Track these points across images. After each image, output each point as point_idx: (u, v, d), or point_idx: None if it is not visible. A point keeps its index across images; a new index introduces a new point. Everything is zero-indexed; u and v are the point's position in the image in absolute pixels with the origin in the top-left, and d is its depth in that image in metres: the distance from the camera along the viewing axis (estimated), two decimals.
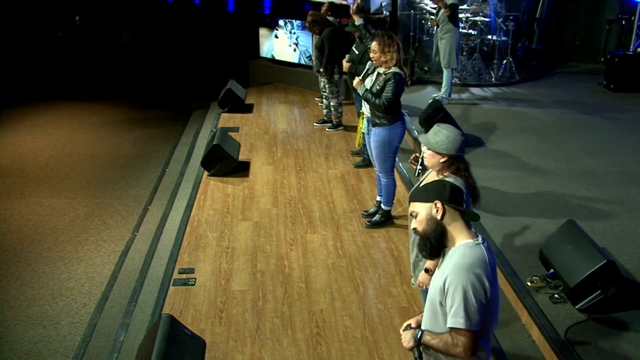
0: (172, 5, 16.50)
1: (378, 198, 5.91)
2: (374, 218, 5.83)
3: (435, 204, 2.42)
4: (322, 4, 9.30)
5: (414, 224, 2.50)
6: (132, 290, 5.13)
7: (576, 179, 6.53)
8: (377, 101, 5.18)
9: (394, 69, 5.13)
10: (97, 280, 5.58)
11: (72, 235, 6.43)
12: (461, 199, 2.48)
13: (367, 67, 5.47)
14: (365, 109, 5.45)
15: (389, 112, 5.25)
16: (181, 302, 4.68)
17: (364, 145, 7.25)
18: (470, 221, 2.51)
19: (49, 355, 4.60)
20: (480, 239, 2.44)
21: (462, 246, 2.39)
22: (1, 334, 4.87)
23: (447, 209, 2.42)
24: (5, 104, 11.04)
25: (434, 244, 2.43)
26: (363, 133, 5.68)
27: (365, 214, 6.01)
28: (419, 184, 3.54)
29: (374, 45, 5.14)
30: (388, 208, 5.78)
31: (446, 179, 3.27)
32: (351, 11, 6.76)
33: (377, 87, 5.19)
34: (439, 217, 2.41)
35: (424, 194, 2.48)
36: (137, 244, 6.13)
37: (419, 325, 2.63)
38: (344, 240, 5.60)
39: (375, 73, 5.29)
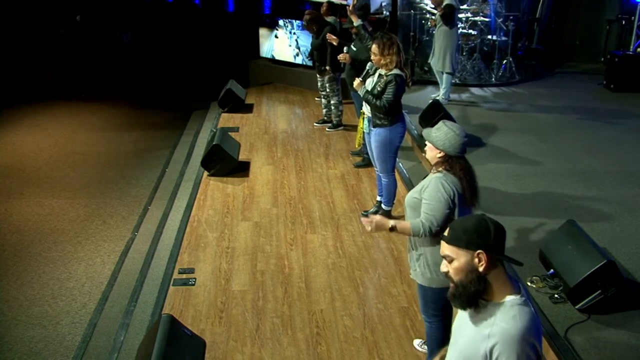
0: (172, 5, 16.49)
1: (378, 198, 5.92)
2: None
3: (479, 255, 2.08)
4: (321, 3, 9.30)
5: (445, 267, 2.17)
6: (132, 290, 5.13)
7: (576, 179, 6.53)
8: (377, 102, 5.22)
9: (395, 71, 5.16)
10: (97, 280, 5.58)
11: (72, 236, 6.43)
12: (504, 242, 2.15)
13: (367, 68, 5.50)
14: (366, 109, 5.48)
15: (390, 113, 5.29)
16: (181, 302, 4.68)
17: (364, 145, 7.26)
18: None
19: (49, 355, 4.60)
20: (523, 291, 2.14)
21: (509, 305, 2.08)
22: (1, 334, 4.87)
23: (490, 259, 2.09)
24: (5, 104, 11.04)
25: (472, 297, 2.12)
26: (363, 132, 5.70)
27: (365, 213, 6.00)
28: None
29: (374, 48, 5.18)
30: (388, 208, 5.78)
31: (438, 174, 3.35)
32: (348, 12, 6.75)
33: (378, 89, 5.23)
34: (481, 269, 2.08)
35: (464, 238, 2.10)
36: (137, 244, 6.13)
37: None
38: (344, 240, 5.60)
39: (377, 74, 5.32)
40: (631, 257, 4.91)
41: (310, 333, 4.31)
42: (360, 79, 5.45)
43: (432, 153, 3.42)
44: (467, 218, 2.21)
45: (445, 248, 2.16)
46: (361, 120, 5.69)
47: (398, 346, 4.13)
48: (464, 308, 2.18)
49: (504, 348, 2.02)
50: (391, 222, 3.41)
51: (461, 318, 2.28)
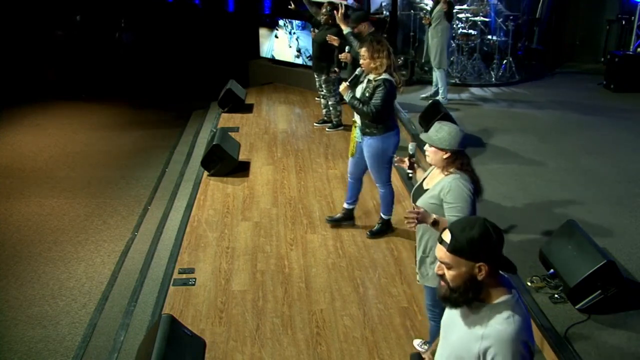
0: (172, 5, 16.49)
1: (345, 205, 5.78)
2: (375, 228, 5.67)
3: (480, 267, 2.07)
4: (320, 3, 9.25)
5: (441, 271, 2.15)
6: (132, 290, 5.13)
7: (576, 179, 6.53)
8: (365, 108, 5.00)
9: (384, 76, 4.97)
10: (97, 280, 5.59)
11: (72, 235, 6.43)
12: (502, 247, 2.14)
13: (356, 73, 5.24)
14: (357, 117, 5.27)
15: (378, 120, 5.07)
16: (181, 302, 4.68)
17: None
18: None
19: (49, 355, 4.61)
20: (515, 291, 2.16)
21: (503, 306, 2.09)
22: (1, 334, 4.87)
23: (491, 269, 2.09)
24: (5, 104, 11.04)
25: (469, 301, 2.13)
26: (357, 142, 5.43)
27: (330, 219, 5.83)
28: (421, 182, 3.55)
29: (363, 51, 4.98)
30: (388, 217, 5.65)
31: (453, 175, 3.30)
32: (337, 19, 6.31)
33: (367, 94, 5.04)
34: (480, 279, 2.08)
35: (468, 250, 2.07)
36: (137, 244, 6.13)
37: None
38: (344, 240, 5.60)
39: (366, 80, 5.13)
40: (631, 257, 4.91)
41: (310, 333, 4.31)
42: (347, 82, 5.19)
43: (436, 156, 3.33)
44: (469, 225, 2.12)
45: (445, 255, 2.11)
46: (354, 129, 5.39)
47: (398, 346, 4.13)
48: (455, 308, 2.19)
49: (499, 349, 2.04)
50: (434, 216, 3.24)
51: (451, 314, 2.28)
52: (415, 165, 3.79)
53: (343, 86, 5.18)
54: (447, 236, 2.12)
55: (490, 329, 2.07)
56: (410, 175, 3.82)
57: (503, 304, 2.10)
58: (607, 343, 3.93)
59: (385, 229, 5.67)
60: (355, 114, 5.31)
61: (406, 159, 3.79)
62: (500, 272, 2.18)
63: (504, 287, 2.14)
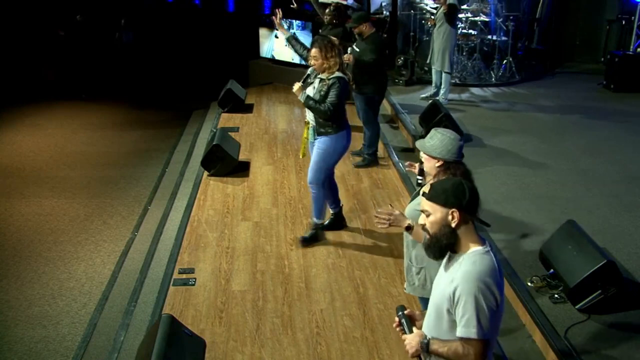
0: (172, 5, 16.49)
1: (330, 211, 5.70)
2: (306, 233, 5.51)
3: (453, 213, 2.36)
4: (325, 4, 9.23)
5: (423, 220, 2.45)
6: (132, 290, 5.13)
7: (576, 179, 6.53)
8: (321, 107, 5.02)
9: (337, 74, 5.00)
10: (97, 280, 5.59)
11: (72, 235, 6.44)
12: (477, 204, 2.43)
13: (307, 72, 5.27)
14: (310, 117, 5.27)
15: (334, 119, 5.09)
16: (181, 302, 4.68)
17: (365, 145, 7.25)
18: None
19: (49, 355, 4.61)
20: (488, 245, 2.41)
21: (472, 254, 2.37)
22: (1, 334, 4.88)
23: (463, 217, 2.37)
24: (5, 104, 11.04)
25: (444, 248, 2.41)
26: (308, 142, 5.43)
27: (321, 227, 5.66)
28: (421, 188, 3.52)
29: (314, 52, 5.00)
30: (320, 221, 5.50)
31: None
32: (276, 24, 6.26)
33: (321, 94, 5.05)
34: (454, 225, 2.37)
35: (443, 196, 2.38)
36: (137, 244, 6.13)
37: (412, 321, 2.60)
38: (344, 240, 5.59)
39: (317, 80, 5.14)
40: (631, 257, 4.91)
41: (310, 333, 4.31)
42: (300, 83, 5.20)
43: (429, 164, 3.29)
44: (447, 180, 2.52)
45: (425, 204, 2.44)
46: (305, 129, 5.40)
47: (398, 346, 4.13)
48: (436, 258, 2.48)
49: (463, 288, 2.31)
50: (408, 221, 3.24)
51: (437, 277, 2.54)
52: (425, 171, 3.75)
53: (297, 86, 5.16)
54: (428, 188, 2.47)
55: (459, 272, 2.35)
56: (420, 181, 3.78)
57: (474, 252, 2.38)
58: (607, 343, 3.93)
59: (316, 235, 5.50)
60: (308, 114, 5.31)
61: (416, 165, 3.73)
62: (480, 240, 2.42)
63: (478, 240, 2.41)
